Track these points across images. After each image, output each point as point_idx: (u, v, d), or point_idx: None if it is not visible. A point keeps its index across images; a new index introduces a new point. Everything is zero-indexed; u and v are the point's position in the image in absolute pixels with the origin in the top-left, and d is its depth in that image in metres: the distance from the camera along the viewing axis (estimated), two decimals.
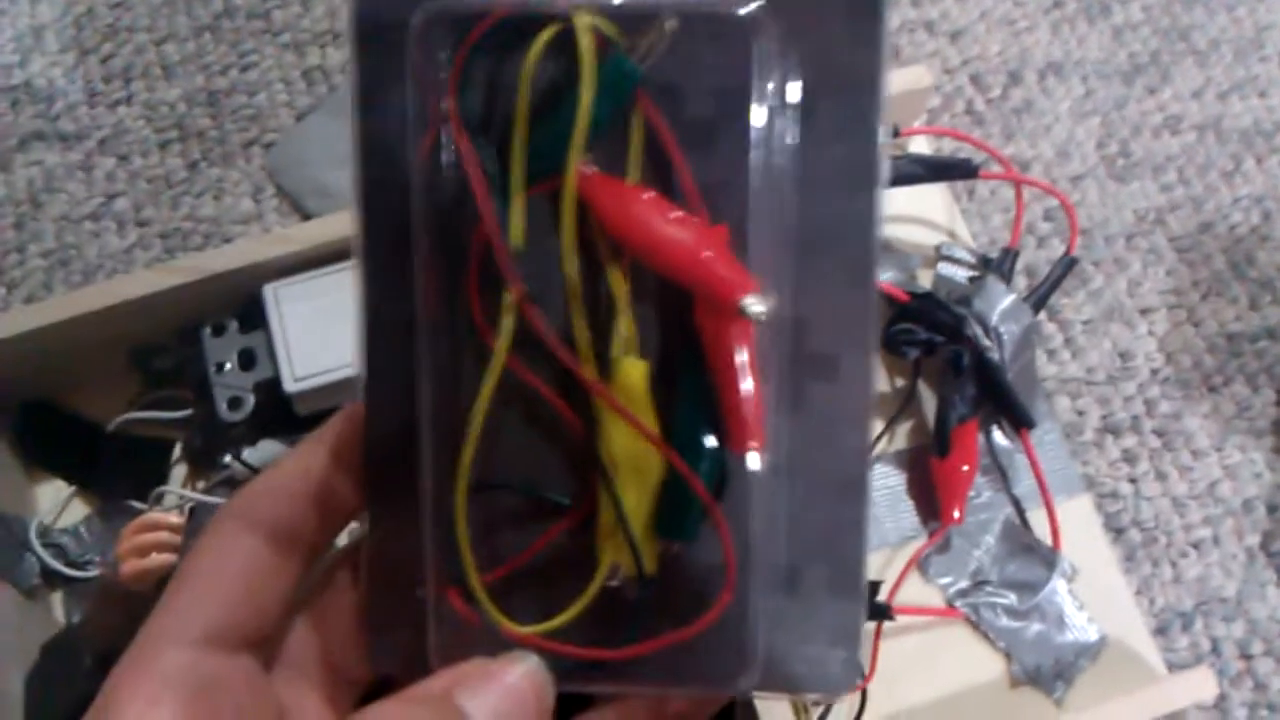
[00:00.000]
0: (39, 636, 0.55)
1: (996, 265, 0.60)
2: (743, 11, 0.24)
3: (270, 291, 0.55)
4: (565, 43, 0.24)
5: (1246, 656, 0.56)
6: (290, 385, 0.54)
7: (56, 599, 0.58)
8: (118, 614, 0.49)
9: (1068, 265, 0.59)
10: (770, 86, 0.25)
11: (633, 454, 0.25)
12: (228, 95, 0.65)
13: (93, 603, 0.51)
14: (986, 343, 0.57)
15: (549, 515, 0.27)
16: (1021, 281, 0.62)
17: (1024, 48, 0.67)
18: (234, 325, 0.56)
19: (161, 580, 0.49)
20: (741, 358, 0.25)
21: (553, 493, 0.27)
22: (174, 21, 0.67)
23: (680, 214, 0.25)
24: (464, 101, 0.25)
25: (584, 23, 0.24)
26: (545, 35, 0.24)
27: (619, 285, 0.25)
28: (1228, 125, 0.65)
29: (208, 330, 0.56)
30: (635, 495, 0.25)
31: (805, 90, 0.25)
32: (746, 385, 0.25)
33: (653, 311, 0.26)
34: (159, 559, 0.47)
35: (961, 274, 0.60)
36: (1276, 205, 0.63)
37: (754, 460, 0.25)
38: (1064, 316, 0.62)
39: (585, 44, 0.24)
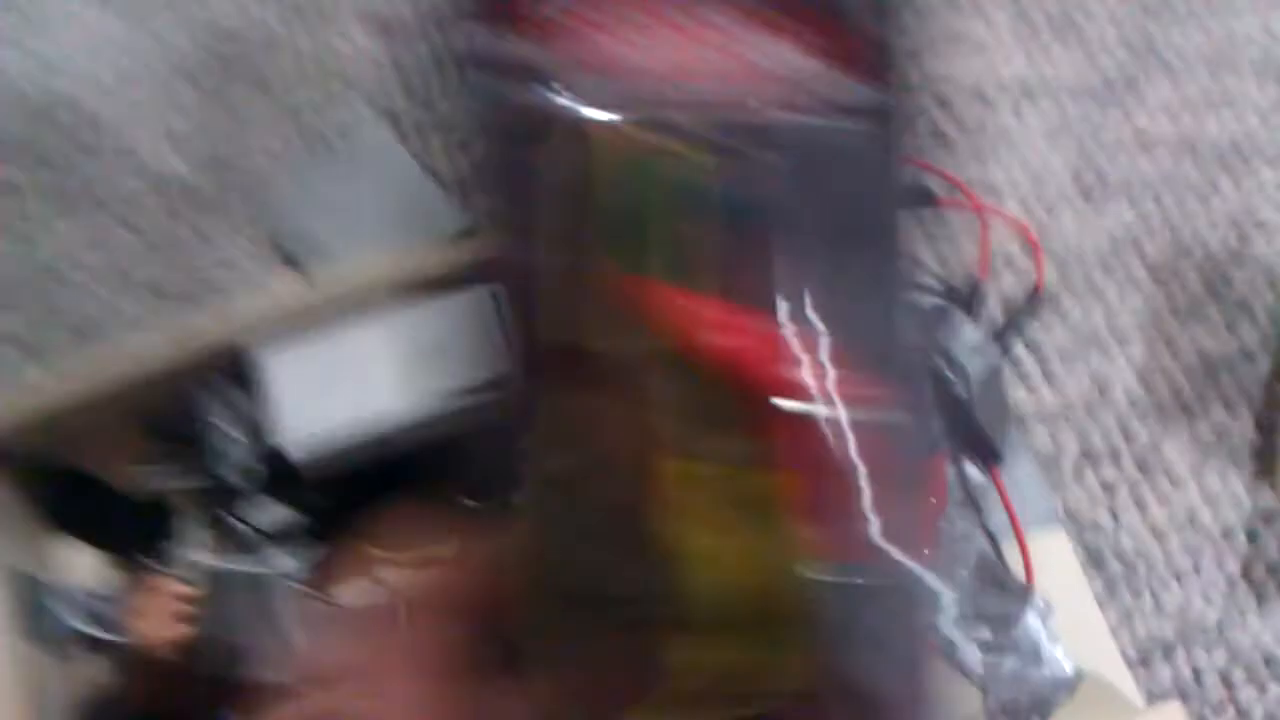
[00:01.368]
0: (66, 696, 0.59)
1: (962, 297, 0.60)
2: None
3: (268, 356, 0.57)
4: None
5: (1228, 685, 0.56)
6: (292, 446, 0.56)
7: (79, 655, 0.61)
8: (152, 679, 0.53)
9: (1031, 303, 0.59)
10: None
11: None
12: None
13: (125, 668, 0.55)
14: (950, 377, 0.57)
15: None
16: (996, 310, 0.62)
17: (992, 67, 0.66)
18: (233, 390, 0.59)
19: (188, 648, 0.52)
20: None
21: None
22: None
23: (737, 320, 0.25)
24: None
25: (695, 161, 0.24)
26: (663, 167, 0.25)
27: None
28: (1203, 144, 0.64)
29: (205, 394, 0.59)
30: None
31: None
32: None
33: None
34: (178, 629, 0.50)
35: (925, 304, 0.61)
36: (1253, 225, 0.62)
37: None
38: (1039, 347, 0.61)
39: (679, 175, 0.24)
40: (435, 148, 0.67)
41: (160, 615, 0.51)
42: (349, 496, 0.59)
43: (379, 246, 0.64)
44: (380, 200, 0.70)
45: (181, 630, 0.51)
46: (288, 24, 0.70)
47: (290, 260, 0.68)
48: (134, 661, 0.54)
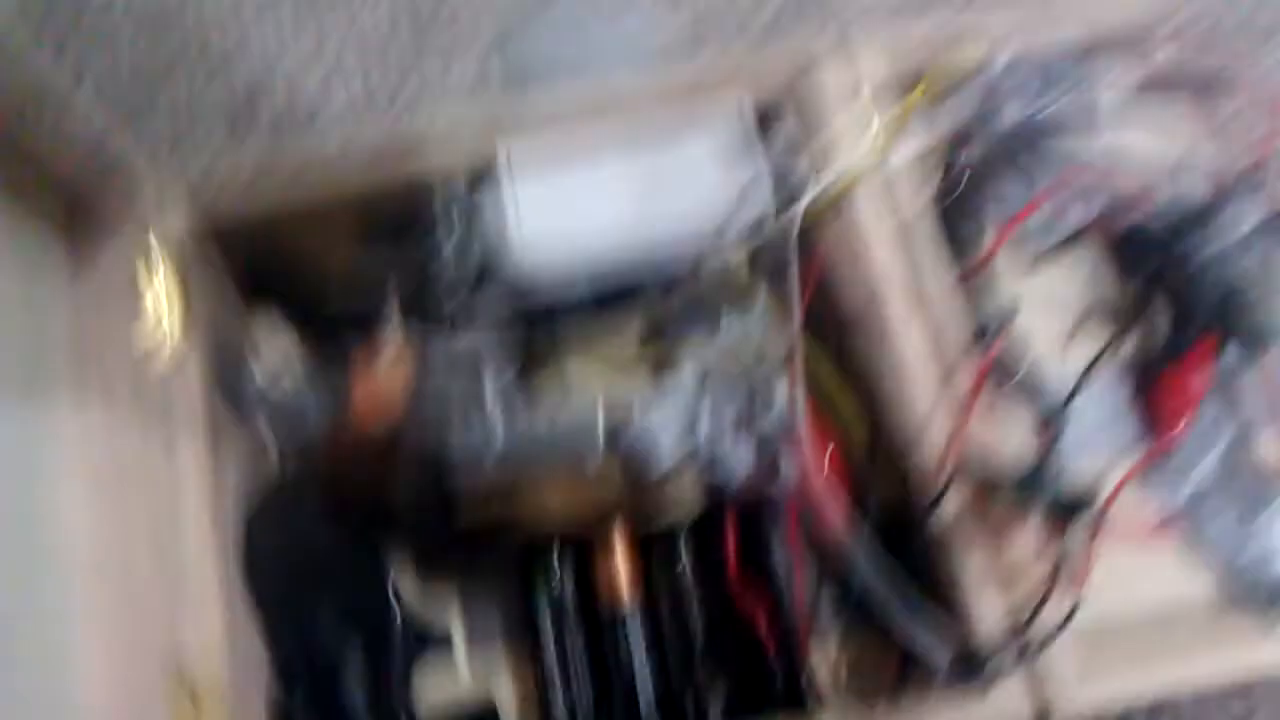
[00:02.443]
0: (257, 478, 0.57)
1: (1240, 185, 0.57)
2: None
3: (505, 152, 0.55)
4: None
5: None
6: (517, 249, 0.54)
7: (275, 428, 0.60)
8: (347, 458, 0.51)
9: None
10: None
11: None
12: None
13: (321, 446, 0.53)
14: (1225, 258, 0.54)
15: None
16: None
17: None
18: (464, 185, 0.57)
19: (390, 426, 0.50)
20: None
21: None
22: None
23: None
24: None
25: None
26: None
27: None
28: None
29: (440, 187, 0.56)
30: None
31: None
32: None
33: None
34: (393, 400, 0.48)
35: (1203, 191, 0.57)
36: None
37: None
38: None
39: None
40: None
41: (377, 389, 0.48)
42: (568, 321, 0.57)
43: (617, 66, 0.61)
44: (617, 18, 0.67)
45: (395, 401, 0.48)
46: None
47: (521, 79, 0.65)
48: (335, 436, 0.52)
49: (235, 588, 0.52)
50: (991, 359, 0.51)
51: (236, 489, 0.55)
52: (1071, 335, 0.57)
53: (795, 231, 0.53)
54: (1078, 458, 0.52)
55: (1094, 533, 0.48)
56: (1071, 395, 0.52)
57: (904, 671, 0.50)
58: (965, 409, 0.49)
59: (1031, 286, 0.57)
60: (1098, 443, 0.55)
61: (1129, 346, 0.57)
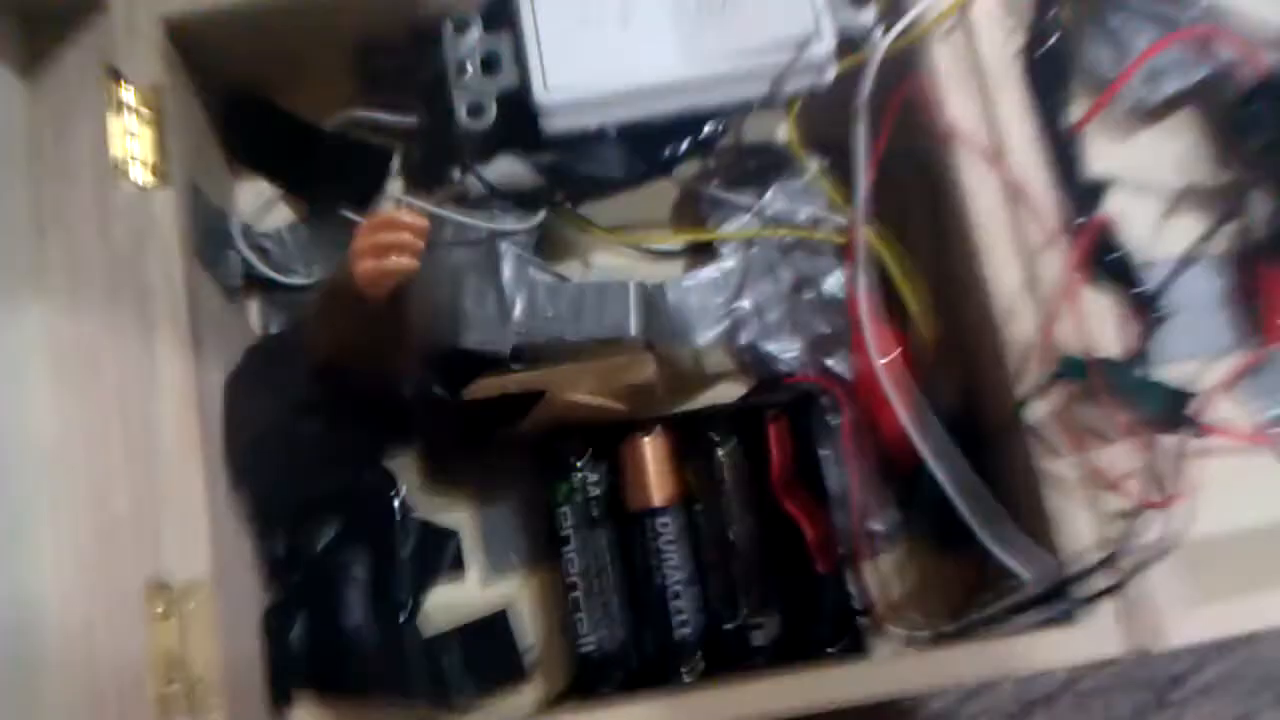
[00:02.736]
0: (240, 337, 0.51)
1: None
2: None
3: None
4: None
5: None
6: (541, 95, 0.46)
7: (253, 307, 0.53)
8: (341, 320, 0.44)
9: None
10: None
11: None
12: None
13: (314, 306, 0.46)
14: None
15: None
16: None
17: None
18: (478, 23, 0.49)
19: (396, 288, 0.43)
20: None
21: None
22: None
23: None
24: None
25: None
26: None
27: None
28: None
29: (449, 25, 0.49)
30: None
31: None
32: None
33: None
34: (397, 262, 0.41)
35: None
36: None
37: None
38: None
39: None
40: None
41: (382, 248, 0.42)
42: (594, 161, 0.50)
43: None
44: None
45: (400, 265, 0.41)
46: None
47: None
48: (331, 298, 0.45)
49: (220, 483, 0.46)
50: (1086, 237, 0.44)
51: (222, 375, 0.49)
52: (1166, 218, 0.51)
53: (867, 87, 0.45)
54: (1174, 357, 0.46)
55: (1197, 436, 0.43)
56: (1167, 283, 0.46)
57: (976, 598, 0.45)
58: (1061, 295, 0.43)
59: (1124, 161, 0.50)
60: (1195, 342, 0.48)
61: (1229, 235, 0.51)
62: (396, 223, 0.42)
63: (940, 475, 0.41)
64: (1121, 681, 0.49)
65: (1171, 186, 0.52)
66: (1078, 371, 0.40)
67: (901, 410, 0.42)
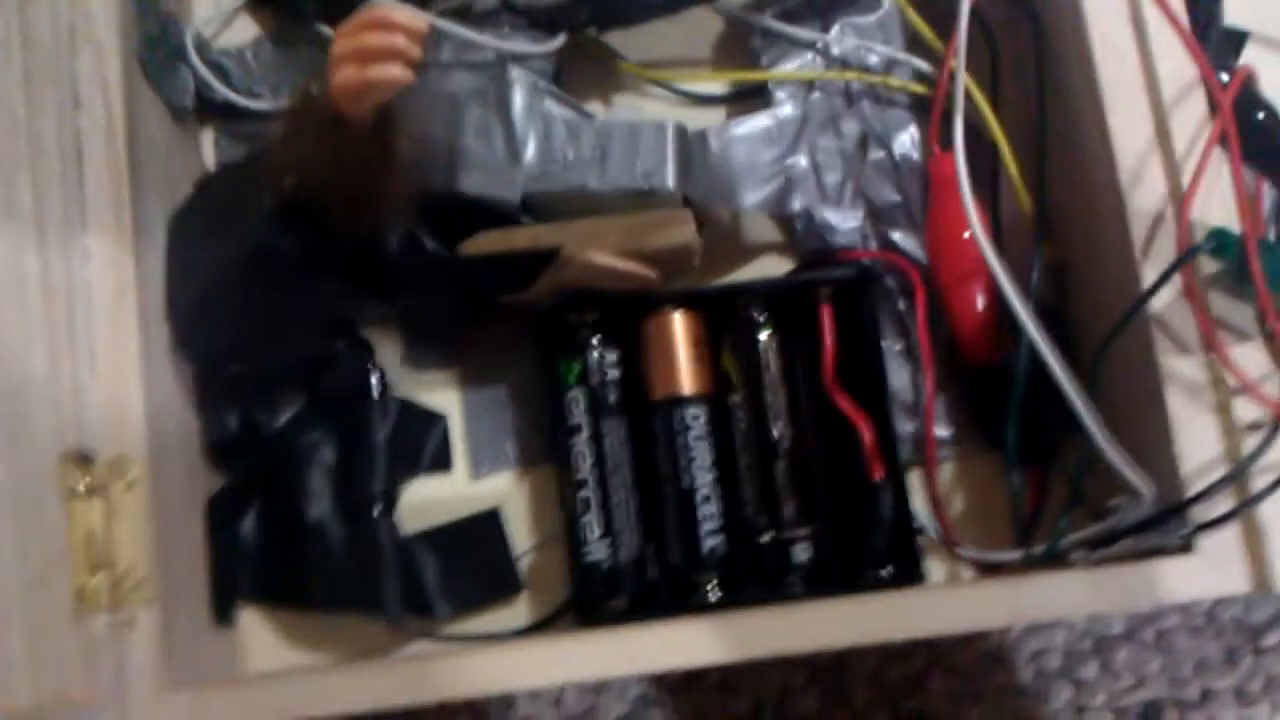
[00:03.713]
0: (187, 171, 0.43)
1: None
2: None
3: None
4: None
5: None
6: None
7: (207, 137, 0.45)
8: (313, 147, 0.36)
9: None
10: None
11: None
12: None
13: (281, 128, 0.37)
14: None
15: None
16: None
17: None
18: None
19: (381, 105, 0.35)
20: None
21: None
22: None
23: None
24: None
25: None
26: None
27: None
28: None
29: None
30: None
31: None
32: None
33: None
34: (387, 72, 0.33)
35: None
36: None
37: None
38: None
39: None
40: None
41: (367, 53, 0.33)
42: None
43: None
44: None
45: (388, 75, 0.33)
46: None
47: None
48: (302, 116, 0.37)
49: (159, 342, 0.38)
50: (1228, 100, 0.36)
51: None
52: None
53: None
54: None
55: None
56: None
57: (1046, 522, 0.38)
58: (1200, 157, 0.35)
59: (1261, 14, 0.42)
60: None
61: None
62: (388, 21, 0.33)
63: (1053, 367, 0.34)
64: (1209, 622, 0.42)
65: None
66: (1227, 249, 0.33)
67: (1005, 284, 0.34)
